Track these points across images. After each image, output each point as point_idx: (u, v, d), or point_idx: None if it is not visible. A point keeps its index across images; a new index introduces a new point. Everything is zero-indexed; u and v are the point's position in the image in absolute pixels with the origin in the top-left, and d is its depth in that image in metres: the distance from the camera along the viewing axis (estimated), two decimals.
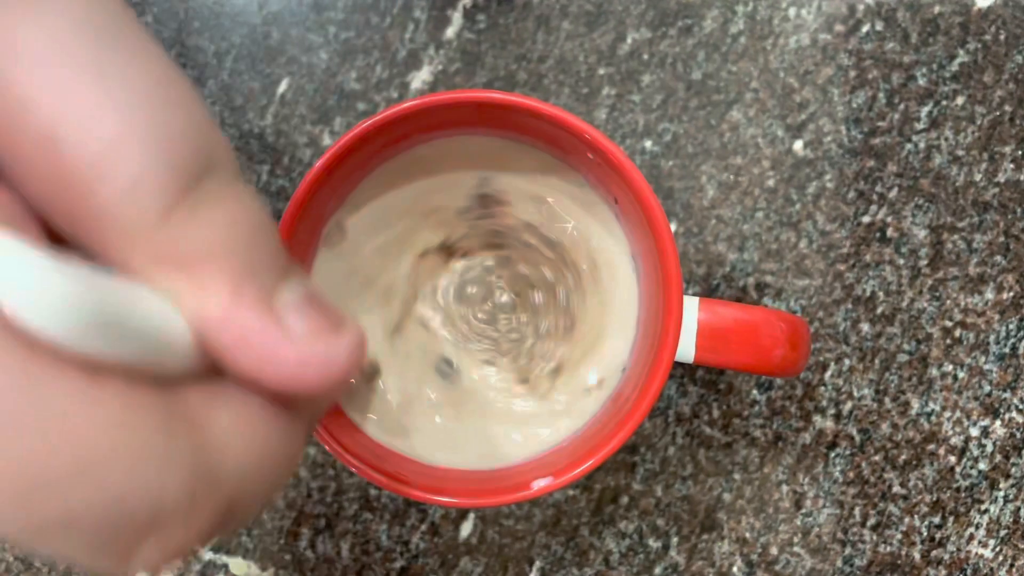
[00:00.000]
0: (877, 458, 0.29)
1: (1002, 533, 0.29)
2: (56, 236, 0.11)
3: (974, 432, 0.29)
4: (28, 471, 0.09)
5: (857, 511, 0.29)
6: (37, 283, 0.09)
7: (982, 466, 0.29)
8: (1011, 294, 0.29)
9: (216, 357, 0.11)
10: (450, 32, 0.30)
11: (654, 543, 0.29)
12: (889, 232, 0.29)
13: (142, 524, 0.10)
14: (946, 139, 0.29)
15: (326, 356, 0.11)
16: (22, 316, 0.09)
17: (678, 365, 0.29)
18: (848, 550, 0.29)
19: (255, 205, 0.11)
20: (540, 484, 0.21)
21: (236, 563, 0.29)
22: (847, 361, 0.29)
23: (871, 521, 0.29)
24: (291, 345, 0.11)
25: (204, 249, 0.11)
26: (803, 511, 0.29)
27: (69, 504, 0.09)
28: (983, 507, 0.29)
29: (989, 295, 0.29)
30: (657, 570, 0.29)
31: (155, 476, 0.10)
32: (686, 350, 0.22)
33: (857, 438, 0.29)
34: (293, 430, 0.12)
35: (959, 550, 0.29)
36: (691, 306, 0.22)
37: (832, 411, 0.29)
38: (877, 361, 0.29)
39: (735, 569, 0.29)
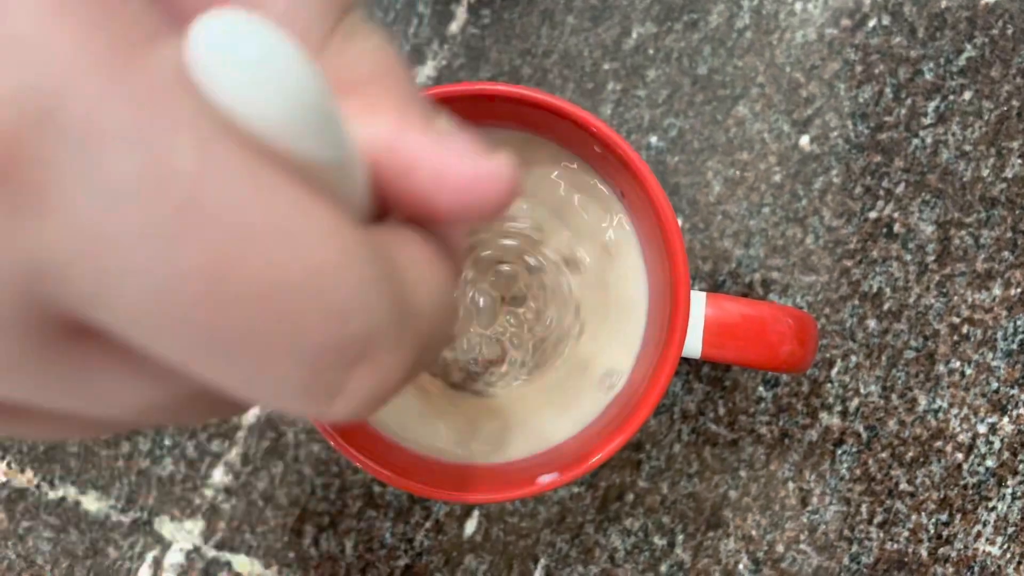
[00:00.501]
0: (884, 455, 0.29)
1: (1010, 530, 0.29)
2: None
3: (982, 429, 0.29)
4: (262, 285, 0.08)
5: (864, 508, 0.29)
6: (276, 72, 0.08)
7: (990, 463, 0.29)
8: (1019, 290, 0.29)
9: (386, 188, 0.11)
10: (454, 27, 0.30)
11: (659, 540, 0.29)
12: (896, 228, 0.29)
13: (358, 347, 0.09)
14: (953, 134, 0.29)
15: (496, 170, 0.11)
16: (250, 108, 0.08)
17: (684, 361, 0.29)
18: (855, 548, 0.29)
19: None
20: (546, 480, 0.21)
21: (240, 561, 0.29)
22: (854, 358, 0.29)
23: (878, 518, 0.29)
24: (464, 161, 0.11)
25: (366, 73, 0.11)
26: (809, 508, 0.29)
27: (298, 320, 0.09)
28: (991, 504, 0.29)
29: (997, 291, 0.29)
30: (663, 568, 0.29)
31: (371, 297, 0.09)
32: (693, 345, 0.22)
33: (864, 435, 0.29)
34: (455, 272, 0.12)
35: (966, 548, 0.29)
36: (698, 301, 0.22)
37: (839, 408, 0.29)
38: (884, 358, 0.29)
39: (741, 567, 0.29)
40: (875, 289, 0.29)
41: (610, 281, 0.25)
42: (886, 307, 0.29)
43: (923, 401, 0.29)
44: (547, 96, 0.21)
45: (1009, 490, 0.29)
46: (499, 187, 0.11)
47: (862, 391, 0.29)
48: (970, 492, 0.29)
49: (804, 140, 0.29)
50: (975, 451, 0.29)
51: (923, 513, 0.29)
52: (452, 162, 0.11)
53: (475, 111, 0.23)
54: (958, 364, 0.29)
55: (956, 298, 0.29)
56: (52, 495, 0.29)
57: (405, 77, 0.11)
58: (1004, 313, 0.29)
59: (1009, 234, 0.29)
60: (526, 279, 0.26)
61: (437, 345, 0.11)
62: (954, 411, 0.29)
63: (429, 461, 0.24)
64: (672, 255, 0.21)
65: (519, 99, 0.21)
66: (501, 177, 0.11)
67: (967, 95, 0.29)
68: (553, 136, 0.24)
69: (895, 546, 0.29)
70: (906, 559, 0.29)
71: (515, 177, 0.11)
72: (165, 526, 0.29)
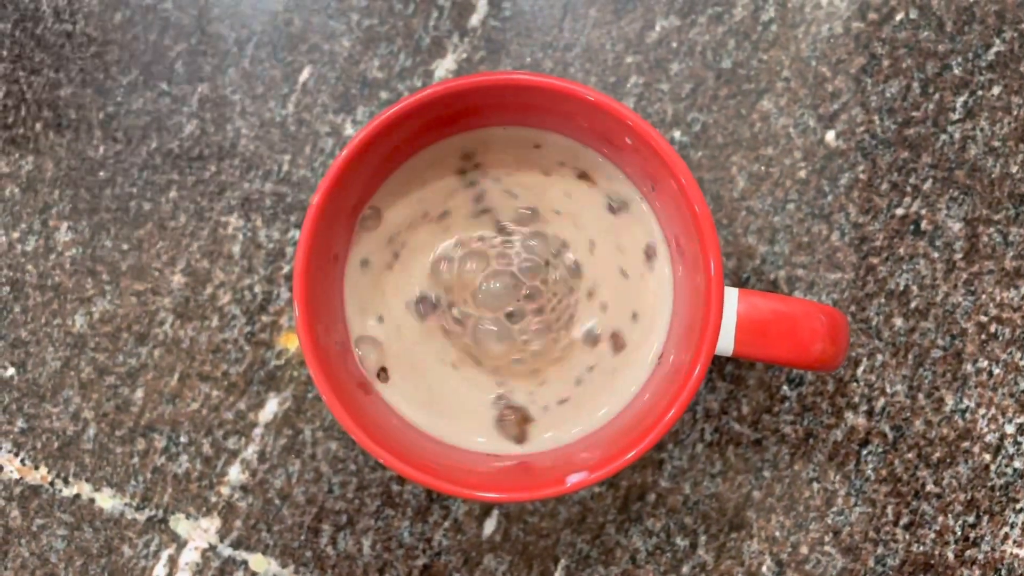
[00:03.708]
0: (910, 456, 0.28)
1: None
2: None
3: (1009, 429, 0.28)
4: None
5: (889, 510, 0.28)
6: None
7: (1017, 464, 0.28)
8: None
9: None
10: (475, 19, 0.29)
11: (682, 541, 0.28)
12: (923, 225, 0.29)
13: None
14: (982, 130, 0.29)
15: None
16: None
17: None
18: (880, 549, 0.28)
19: None
20: (575, 479, 0.21)
21: (256, 559, 0.29)
22: (880, 356, 0.28)
23: (904, 520, 0.28)
24: None
25: None
26: (834, 509, 0.28)
27: None
28: (1018, 506, 0.28)
29: None
30: (685, 569, 0.28)
31: None
32: (725, 343, 0.21)
33: (890, 435, 0.28)
34: None
35: (993, 550, 0.28)
36: (731, 297, 0.22)
37: (864, 407, 0.28)
38: (910, 357, 0.28)
39: (764, 568, 0.28)
40: (902, 287, 0.29)
41: (632, 278, 0.25)
42: (913, 305, 0.29)
43: (950, 401, 0.28)
44: (578, 86, 0.21)
45: None
46: None
47: (888, 391, 0.28)
48: (997, 494, 0.28)
49: (830, 135, 0.29)
50: (1003, 452, 0.28)
51: (950, 515, 0.28)
52: None
53: (499, 104, 0.23)
54: (986, 363, 0.28)
55: (984, 296, 0.28)
56: (66, 492, 0.29)
57: None
58: None
59: None
60: (541, 274, 0.25)
61: None
62: (981, 411, 0.28)
63: (452, 455, 0.24)
64: (705, 247, 0.20)
65: (549, 89, 0.21)
66: None
67: (996, 90, 0.29)
68: (580, 129, 0.23)
69: (921, 548, 0.28)
70: (932, 561, 0.28)
71: None
72: (180, 524, 0.29)
